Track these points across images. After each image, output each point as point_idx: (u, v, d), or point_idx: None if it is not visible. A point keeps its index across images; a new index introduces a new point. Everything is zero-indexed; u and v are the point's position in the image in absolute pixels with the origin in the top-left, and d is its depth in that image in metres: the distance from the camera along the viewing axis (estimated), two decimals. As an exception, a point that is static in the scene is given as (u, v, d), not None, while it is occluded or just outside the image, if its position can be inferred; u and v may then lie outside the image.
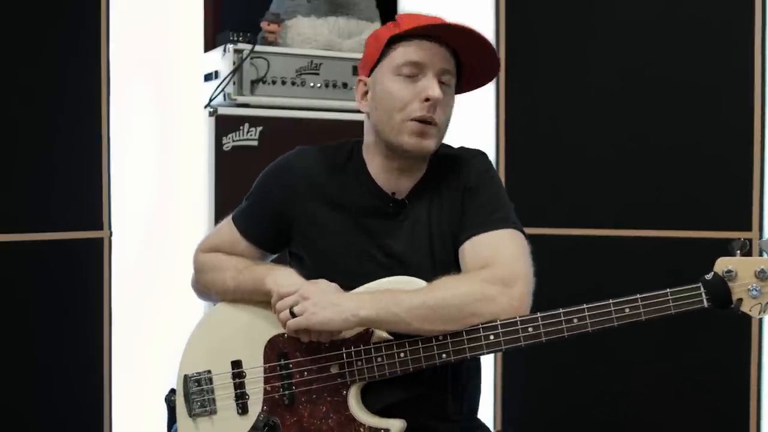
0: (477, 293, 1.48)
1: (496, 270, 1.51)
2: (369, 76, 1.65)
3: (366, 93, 1.66)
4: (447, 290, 1.49)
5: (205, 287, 1.77)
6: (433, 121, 1.57)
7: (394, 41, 1.59)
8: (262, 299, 1.62)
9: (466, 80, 1.67)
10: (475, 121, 2.94)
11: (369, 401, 1.57)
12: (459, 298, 1.48)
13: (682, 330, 2.63)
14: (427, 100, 1.56)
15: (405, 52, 1.58)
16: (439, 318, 1.48)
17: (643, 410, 2.73)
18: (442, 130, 1.62)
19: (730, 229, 2.62)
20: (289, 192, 1.67)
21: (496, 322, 1.47)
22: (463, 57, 1.62)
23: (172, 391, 1.70)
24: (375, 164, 1.66)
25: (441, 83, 1.58)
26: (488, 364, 2.88)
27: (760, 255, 1.47)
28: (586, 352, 2.66)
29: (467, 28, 1.56)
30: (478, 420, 1.74)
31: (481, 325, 1.48)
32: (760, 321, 2.64)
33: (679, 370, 2.71)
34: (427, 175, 1.68)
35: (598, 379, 2.77)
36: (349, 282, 1.58)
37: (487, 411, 2.86)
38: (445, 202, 1.65)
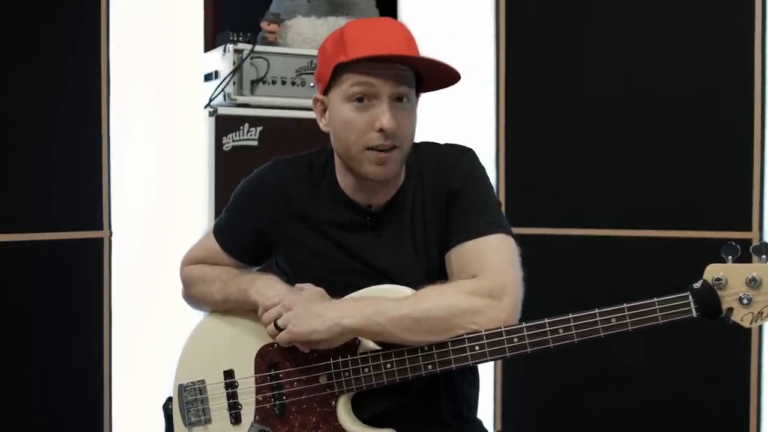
0: (464, 305, 1.45)
1: (484, 282, 1.47)
2: (325, 94, 1.58)
3: (325, 111, 1.59)
4: (432, 301, 1.46)
5: (194, 300, 1.77)
6: (392, 147, 1.52)
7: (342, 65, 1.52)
8: (251, 308, 1.61)
9: (429, 83, 1.59)
10: (475, 121, 2.94)
11: (362, 409, 1.56)
12: (444, 310, 1.45)
13: (682, 334, 2.61)
14: (381, 130, 1.50)
15: (354, 80, 1.50)
16: (424, 329, 1.45)
17: (643, 413, 2.73)
18: (405, 148, 1.55)
19: (730, 229, 2.62)
20: (265, 211, 1.65)
21: (482, 332, 1.45)
22: (419, 70, 1.55)
23: (170, 400, 1.70)
24: (346, 181, 1.62)
25: (398, 101, 1.52)
26: (488, 365, 2.87)
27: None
28: (586, 355, 2.64)
29: (410, 57, 1.50)
30: (476, 422, 1.72)
31: (466, 336, 1.45)
32: (760, 326, 2.63)
33: (679, 373, 2.70)
34: (406, 183, 1.63)
35: (597, 381, 2.77)
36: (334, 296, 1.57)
37: (487, 411, 2.86)
38: (429, 207, 1.60)
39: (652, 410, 2.72)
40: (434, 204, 1.60)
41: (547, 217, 2.81)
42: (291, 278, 1.65)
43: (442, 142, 1.68)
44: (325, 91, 1.58)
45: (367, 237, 1.61)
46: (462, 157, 1.62)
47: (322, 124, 1.61)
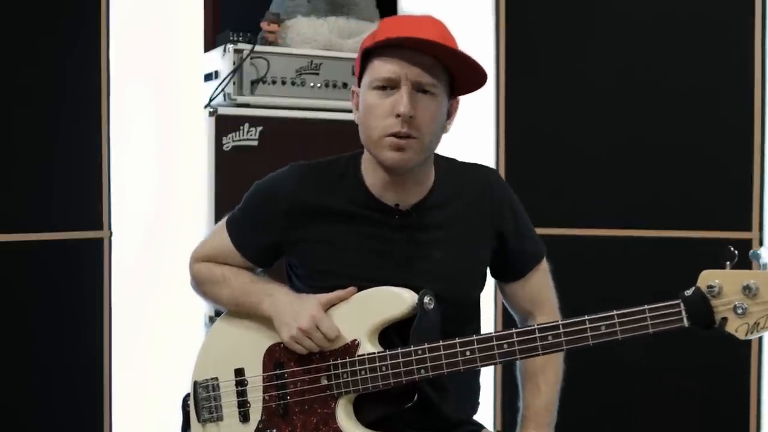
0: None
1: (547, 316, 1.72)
2: (360, 86, 1.60)
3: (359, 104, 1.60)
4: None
5: (204, 297, 1.76)
6: (409, 135, 1.50)
7: (371, 51, 1.54)
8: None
9: (460, 83, 1.59)
10: (475, 121, 2.93)
11: (364, 413, 1.56)
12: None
13: (683, 333, 2.62)
14: (399, 115, 1.49)
15: (379, 66, 1.52)
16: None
17: (643, 412, 2.73)
18: (426, 140, 1.53)
19: (731, 229, 2.62)
20: (280, 224, 1.63)
21: (473, 337, 1.47)
22: (446, 64, 1.54)
23: (188, 396, 1.71)
24: (375, 176, 1.60)
25: (423, 92, 1.51)
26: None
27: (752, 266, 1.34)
28: (586, 355, 2.64)
29: (437, 43, 1.48)
30: (475, 425, 1.72)
31: (458, 340, 1.48)
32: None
33: (680, 374, 2.70)
34: (437, 188, 1.63)
35: (597, 381, 2.76)
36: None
37: (487, 412, 2.86)
38: (472, 224, 1.63)
39: (653, 410, 2.72)
40: (480, 228, 1.64)
41: (547, 217, 2.80)
42: (302, 277, 1.66)
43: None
44: (360, 82, 1.59)
45: (395, 236, 1.60)
46: (504, 188, 1.72)
47: (356, 117, 1.61)
